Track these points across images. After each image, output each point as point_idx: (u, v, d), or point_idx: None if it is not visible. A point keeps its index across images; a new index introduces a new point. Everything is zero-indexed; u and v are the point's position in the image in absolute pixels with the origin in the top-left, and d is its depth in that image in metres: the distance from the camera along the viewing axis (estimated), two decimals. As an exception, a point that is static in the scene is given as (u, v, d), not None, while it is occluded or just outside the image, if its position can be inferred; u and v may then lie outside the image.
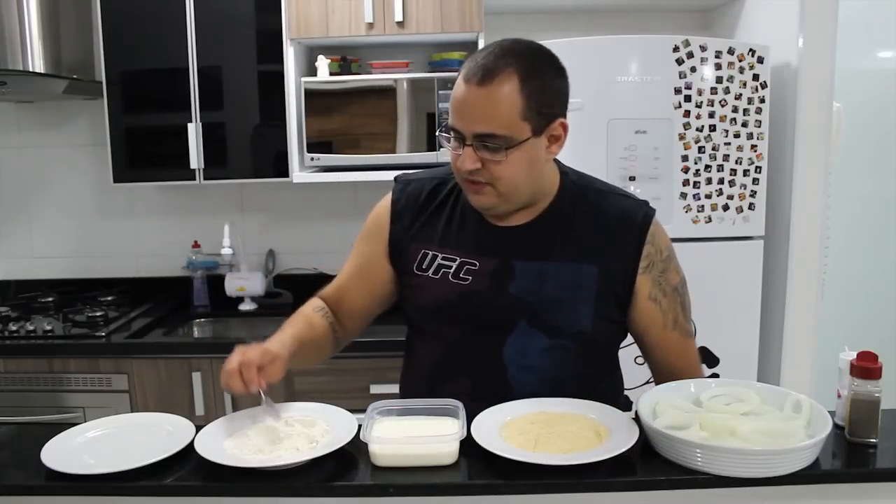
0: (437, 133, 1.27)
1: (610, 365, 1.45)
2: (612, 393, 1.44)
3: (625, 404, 1.46)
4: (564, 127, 1.25)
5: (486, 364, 1.31)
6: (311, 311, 1.41)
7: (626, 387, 2.24)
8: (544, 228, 1.30)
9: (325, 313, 1.42)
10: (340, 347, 1.46)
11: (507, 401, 1.26)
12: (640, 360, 2.23)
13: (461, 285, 1.30)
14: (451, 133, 1.24)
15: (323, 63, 2.56)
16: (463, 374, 1.33)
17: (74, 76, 2.61)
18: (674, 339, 1.37)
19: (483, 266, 1.30)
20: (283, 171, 2.56)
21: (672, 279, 1.36)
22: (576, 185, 1.33)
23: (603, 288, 1.29)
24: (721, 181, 2.24)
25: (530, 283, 1.28)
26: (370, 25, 2.47)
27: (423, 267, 1.33)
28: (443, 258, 1.32)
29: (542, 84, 1.21)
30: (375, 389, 2.33)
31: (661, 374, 1.40)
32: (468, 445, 1.14)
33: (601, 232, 1.30)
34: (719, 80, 2.19)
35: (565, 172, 1.35)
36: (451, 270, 1.31)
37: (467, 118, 1.20)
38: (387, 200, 1.41)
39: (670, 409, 1.23)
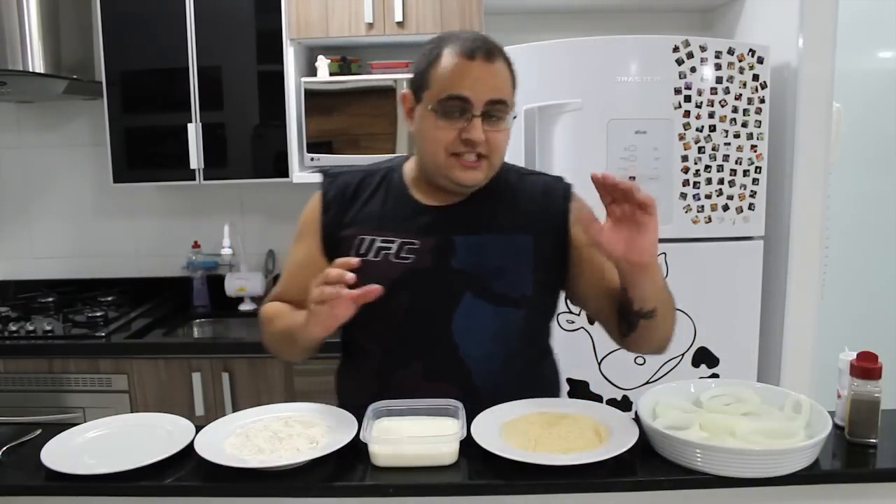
0: (427, 107, 1.27)
1: (546, 346, 1.48)
2: (553, 374, 1.49)
3: (561, 392, 1.49)
4: (514, 116, 1.33)
5: (435, 343, 1.33)
6: (278, 306, 1.42)
7: (625, 387, 2.26)
8: (478, 205, 1.35)
9: None
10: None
11: (461, 379, 1.31)
12: (640, 360, 2.24)
13: (404, 264, 1.32)
14: (450, 104, 1.25)
15: (323, 63, 2.57)
16: (413, 358, 1.33)
17: (74, 76, 2.61)
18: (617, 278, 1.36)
19: (424, 245, 1.33)
20: (283, 171, 2.56)
21: None
22: (502, 168, 1.39)
23: (539, 255, 1.35)
24: (721, 181, 2.24)
25: (472, 256, 1.33)
26: (370, 25, 2.47)
27: (362, 252, 1.34)
28: (382, 241, 1.34)
29: (514, 70, 1.32)
30: (375, 389, 2.33)
31: (613, 318, 1.36)
32: (468, 445, 1.14)
33: (529, 205, 1.38)
34: (719, 80, 2.19)
35: None
36: (392, 251, 1.33)
37: (480, 87, 1.24)
38: (315, 197, 1.43)
39: (670, 410, 1.23)
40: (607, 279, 1.35)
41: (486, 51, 1.25)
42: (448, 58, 1.26)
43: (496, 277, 1.33)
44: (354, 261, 1.17)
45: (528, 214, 1.37)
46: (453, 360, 1.32)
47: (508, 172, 1.41)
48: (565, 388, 1.54)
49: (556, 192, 1.40)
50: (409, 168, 1.41)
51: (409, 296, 1.31)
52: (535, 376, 1.42)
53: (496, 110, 1.26)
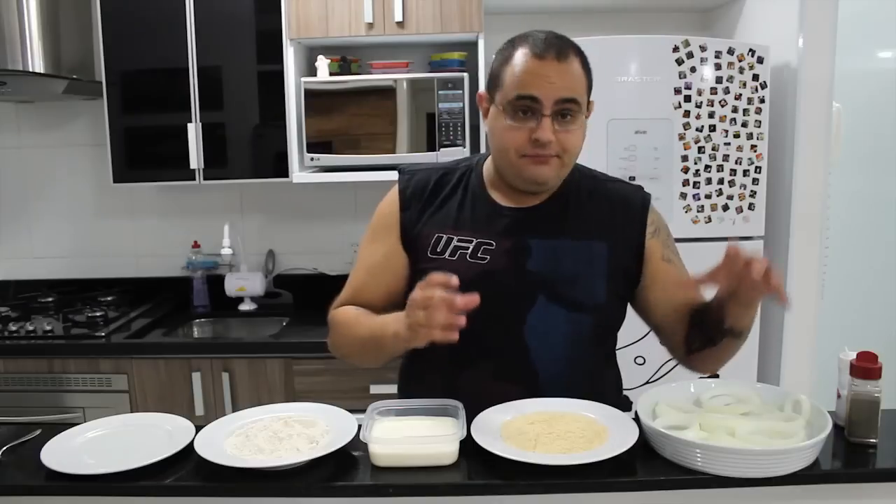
0: (498, 107, 1.28)
1: (612, 355, 1.48)
2: (616, 380, 1.49)
3: (624, 402, 1.47)
4: (591, 109, 1.33)
5: (507, 344, 1.32)
6: (355, 310, 1.38)
7: (625, 387, 2.26)
8: (555, 209, 1.35)
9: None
10: None
11: (528, 380, 1.30)
12: (640, 360, 2.24)
13: (480, 264, 1.32)
14: (521, 103, 1.24)
15: (323, 63, 2.57)
16: (483, 358, 1.33)
17: (74, 76, 2.61)
18: (698, 296, 1.36)
19: (500, 246, 1.33)
20: (283, 171, 2.56)
21: (677, 250, 1.42)
22: (580, 173, 1.40)
23: (614, 263, 1.34)
24: (721, 181, 2.24)
25: (547, 260, 1.32)
26: (370, 25, 2.47)
27: (438, 250, 1.34)
28: (458, 240, 1.34)
29: (590, 69, 1.30)
30: (375, 389, 2.33)
31: (682, 336, 1.37)
32: (468, 445, 1.14)
33: (607, 213, 1.37)
34: (719, 80, 2.19)
35: None
36: (469, 251, 1.33)
37: (550, 86, 1.24)
38: (393, 193, 1.41)
39: (670, 410, 1.23)
40: (681, 294, 1.36)
41: (557, 49, 1.24)
42: (520, 57, 1.25)
43: (570, 283, 1.32)
44: (454, 280, 1.14)
45: (604, 222, 1.36)
46: (523, 362, 1.32)
47: (586, 178, 1.41)
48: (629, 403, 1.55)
49: (635, 202, 1.39)
50: (487, 168, 1.40)
51: (484, 295, 1.28)
52: (599, 383, 1.41)
53: (567, 109, 1.25)
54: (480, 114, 1.37)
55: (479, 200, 1.37)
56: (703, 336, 1.31)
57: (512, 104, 1.25)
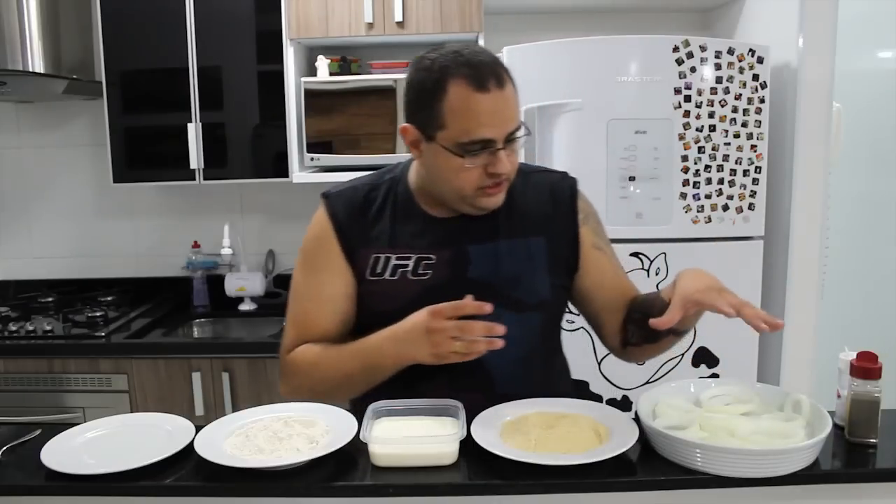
0: (442, 146, 1.23)
1: (558, 343, 1.48)
2: (564, 370, 1.50)
3: (573, 387, 1.51)
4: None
5: None
6: (319, 347, 1.34)
7: (625, 387, 2.26)
8: (487, 213, 1.32)
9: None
10: None
11: (485, 387, 1.30)
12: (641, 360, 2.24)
13: (422, 281, 1.30)
14: (472, 146, 1.21)
15: (323, 63, 2.57)
16: (438, 370, 1.28)
17: (74, 76, 2.61)
18: (631, 284, 1.40)
19: (440, 258, 1.31)
20: (282, 171, 2.56)
21: (606, 235, 1.43)
22: None
23: (553, 256, 1.35)
24: (721, 181, 2.24)
25: (487, 265, 1.32)
26: (370, 25, 2.47)
27: (378, 271, 1.32)
28: (397, 258, 1.31)
29: (512, 77, 1.26)
30: (375, 389, 2.33)
31: (616, 326, 1.39)
32: (468, 445, 1.14)
33: (537, 206, 1.36)
34: (719, 80, 2.19)
35: None
36: (409, 268, 1.31)
37: (501, 121, 1.21)
38: (321, 218, 1.36)
39: (670, 410, 1.23)
40: (615, 286, 1.37)
41: (495, 77, 1.20)
42: (458, 93, 1.19)
43: (513, 284, 1.32)
44: (488, 307, 1.15)
45: (537, 216, 1.36)
46: (477, 370, 1.29)
47: (515, 174, 1.39)
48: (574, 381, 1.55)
49: (563, 191, 1.39)
50: (413, 179, 1.37)
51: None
52: (549, 375, 1.43)
53: (516, 134, 1.24)
54: (405, 143, 1.31)
55: (411, 214, 1.34)
56: (642, 332, 1.30)
57: (463, 147, 1.21)
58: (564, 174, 1.43)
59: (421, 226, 1.33)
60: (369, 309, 1.34)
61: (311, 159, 2.52)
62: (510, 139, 1.23)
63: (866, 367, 1.18)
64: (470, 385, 1.30)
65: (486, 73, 1.19)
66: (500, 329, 1.14)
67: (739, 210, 2.26)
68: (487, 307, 1.16)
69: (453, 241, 1.32)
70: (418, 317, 1.20)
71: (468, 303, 1.16)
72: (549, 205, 1.37)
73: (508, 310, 1.29)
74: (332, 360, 1.31)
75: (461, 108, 1.19)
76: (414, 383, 1.30)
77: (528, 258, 1.33)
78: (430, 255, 1.31)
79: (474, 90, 1.19)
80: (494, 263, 1.32)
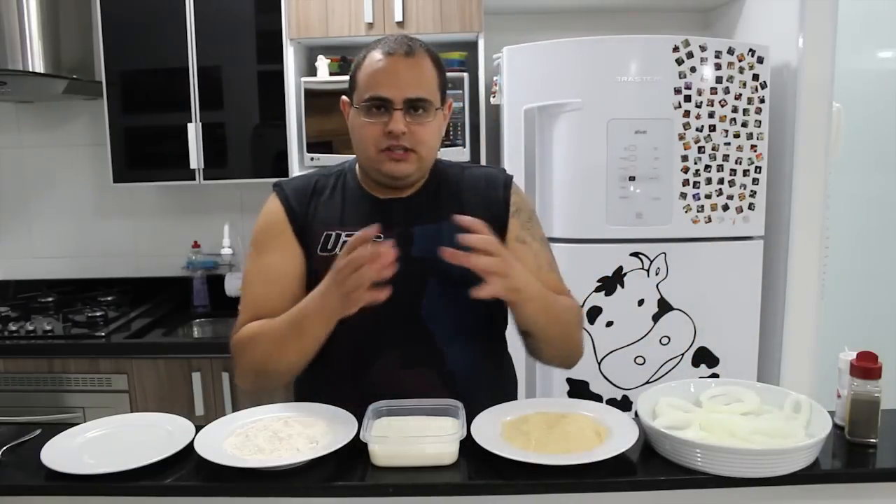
0: (355, 107, 1.36)
1: (504, 337, 1.51)
2: (510, 367, 1.54)
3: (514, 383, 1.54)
4: (451, 108, 1.43)
5: (409, 332, 1.36)
6: (260, 322, 1.35)
7: (625, 387, 2.26)
8: (430, 195, 1.42)
9: None
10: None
11: (436, 363, 1.35)
12: (640, 360, 2.24)
13: None
14: (372, 103, 1.31)
15: (323, 63, 2.57)
16: (389, 348, 1.36)
17: (74, 76, 2.61)
18: (552, 280, 1.41)
19: (387, 237, 1.34)
20: (282, 171, 2.56)
21: (538, 231, 1.46)
22: (444, 164, 1.48)
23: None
24: (721, 181, 2.24)
25: (430, 244, 1.34)
26: (370, 25, 2.47)
27: (329, 247, 1.38)
28: (347, 235, 1.36)
29: (442, 67, 1.39)
30: (375, 389, 2.33)
31: None
32: (468, 445, 1.14)
33: (475, 193, 1.44)
34: (719, 80, 2.19)
35: None
36: None
37: (399, 85, 1.30)
38: (273, 205, 1.43)
39: (670, 409, 1.23)
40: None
41: (406, 49, 1.31)
42: (370, 58, 1.33)
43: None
44: (373, 230, 1.19)
45: (475, 201, 1.42)
46: (428, 346, 1.36)
47: (452, 167, 1.49)
48: (521, 382, 1.58)
49: (497, 182, 1.45)
50: (359, 168, 1.46)
51: (378, 288, 1.29)
52: (500, 364, 1.48)
53: (419, 105, 1.32)
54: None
55: (360, 197, 1.42)
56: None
57: (365, 104, 1.32)
58: (502, 169, 1.53)
59: (369, 207, 1.40)
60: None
61: (311, 159, 2.52)
62: (413, 107, 1.31)
63: (866, 367, 1.18)
64: (421, 362, 1.35)
65: (399, 43, 1.33)
66: (389, 252, 1.17)
67: (739, 210, 2.26)
68: (372, 230, 1.20)
69: (399, 221, 1.38)
70: (327, 276, 1.23)
71: (372, 231, 1.20)
72: (483, 192, 1.44)
73: (452, 285, 1.33)
74: (266, 330, 1.33)
75: (367, 68, 1.33)
76: (367, 365, 1.35)
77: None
78: (379, 234, 1.35)
79: (382, 55, 1.32)
80: (437, 242, 1.34)
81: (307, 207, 1.41)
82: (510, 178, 1.47)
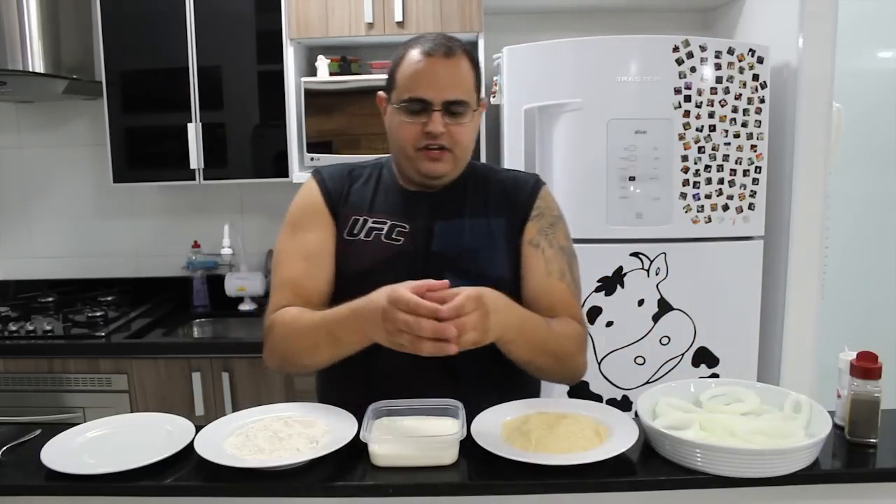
0: (393, 106, 1.37)
1: None
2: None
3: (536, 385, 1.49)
4: (485, 107, 1.46)
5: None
6: (299, 309, 1.36)
7: (625, 387, 2.26)
8: (458, 192, 1.44)
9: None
10: None
11: (447, 358, 1.28)
12: (640, 360, 2.24)
13: (394, 245, 1.39)
14: (411, 104, 1.33)
15: (323, 63, 2.57)
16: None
17: (74, 76, 2.61)
18: (560, 288, 1.40)
19: (412, 228, 1.40)
20: (283, 171, 2.56)
21: (560, 238, 1.45)
22: (477, 164, 1.51)
23: (509, 238, 1.42)
24: (721, 181, 2.24)
25: (450, 239, 1.39)
26: (370, 25, 2.47)
27: (354, 232, 1.41)
28: (374, 222, 1.41)
29: (479, 67, 1.41)
30: (375, 389, 2.33)
31: None
32: (468, 445, 1.14)
33: (502, 193, 1.45)
34: (719, 80, 2.19)
35: None
36: (384, 232, 1.40)
37: (438, 87, 1.32)
38: (311, 187, 1.47)
39: (670, 409, 1.23)
40: (540, 287, 1.38)
41: (445, 49, 1.33)
42: (409, 58, 1.34)
43: (472, 257, 1.38)
44: (439, 284, 1.15)
45: (500, 201, 1.44)
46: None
47: (486, 167, 1.53)
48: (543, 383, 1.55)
49: (525, 185, 1.47)
50: (395, 165, 1.48)
51: (395, 277, 1.27)
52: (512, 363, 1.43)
53: (456, 107, 1.33)
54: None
55: (392, 187, 1.45)
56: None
57: (404, 103, 1.34)
58: (535, 175, 1.51)
59: (398, 198, 1.43)
60: (342, 270, 1.40)
61: (312, 159, 2.52)
62: (451, 109, 1.33)
63: (866, 367, 1.18)
64: (433, 360, 1.29)
65: (438, 43, 1.34)
66: (452, 332, 1.11)
67: (739, 210, 2.26)
68: (444, 283, 1.15)
69: (424, 216, 1.41)
70: (379, 298, 1.18)
71: (425, 290, 1.14)
72: (513, 194, 1.45)
73: (468, 280, 1.28)
74: (301, 327, 1.32)
75: (407, 68, 1.34)
76: (378, 352, 1.29)
77: (488, 235, 1.40)
78: (404, 224, 1.40)
79: (422, 55, 1.33)
80: (456, 238, 1.39)
81: (341, 191, 1.45)
82: (541, 183, 1.48)
